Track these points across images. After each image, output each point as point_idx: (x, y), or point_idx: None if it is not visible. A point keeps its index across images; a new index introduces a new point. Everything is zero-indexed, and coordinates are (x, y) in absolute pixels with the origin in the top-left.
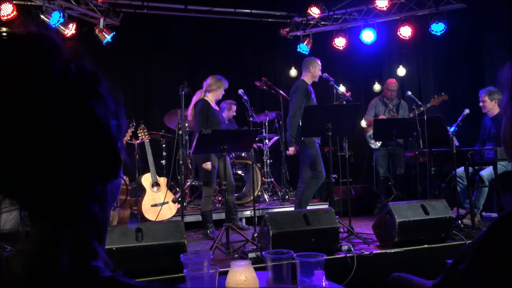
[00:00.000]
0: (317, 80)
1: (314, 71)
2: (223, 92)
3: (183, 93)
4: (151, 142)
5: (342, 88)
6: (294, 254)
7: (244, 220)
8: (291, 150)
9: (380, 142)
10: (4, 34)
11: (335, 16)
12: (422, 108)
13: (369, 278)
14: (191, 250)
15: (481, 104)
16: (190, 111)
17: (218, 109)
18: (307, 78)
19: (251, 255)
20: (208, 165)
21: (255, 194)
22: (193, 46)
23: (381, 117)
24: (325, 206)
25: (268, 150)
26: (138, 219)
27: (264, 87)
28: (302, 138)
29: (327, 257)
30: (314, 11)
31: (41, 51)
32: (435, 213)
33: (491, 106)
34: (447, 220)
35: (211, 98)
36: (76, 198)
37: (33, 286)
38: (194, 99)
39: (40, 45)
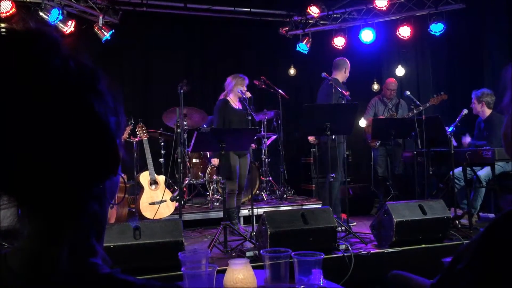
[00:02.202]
0: (345, 80)
1: (347, 72)
2: (245, 89)
3: (181, 91)
4: (150, 140)
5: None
6: (292, 253)
7: (242, 219)
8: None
9: (379, 142)
10: (4, 30)
11: (335, 15)
12: (421, 108)
13: (366, 278)
14: (189, 248)
15: (471, 105)
16: None
17: (240, 107)
18: (339, 78)
19: (249, 253)
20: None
21: (253, 193)
22: (192, 45)
23: (380, 117)
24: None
25: (267, 149)
26: (136, 217)
27: (263, 86)
28: (334, 136)
29: (324, 256)
30: (314, 11)
31: (40, 48)
32: (432, 213)
33: (478, 108)
34: (444, 220)
35: (232, 97)
36: (75, 195)
37: (31, 283)
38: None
39: (40, 41)
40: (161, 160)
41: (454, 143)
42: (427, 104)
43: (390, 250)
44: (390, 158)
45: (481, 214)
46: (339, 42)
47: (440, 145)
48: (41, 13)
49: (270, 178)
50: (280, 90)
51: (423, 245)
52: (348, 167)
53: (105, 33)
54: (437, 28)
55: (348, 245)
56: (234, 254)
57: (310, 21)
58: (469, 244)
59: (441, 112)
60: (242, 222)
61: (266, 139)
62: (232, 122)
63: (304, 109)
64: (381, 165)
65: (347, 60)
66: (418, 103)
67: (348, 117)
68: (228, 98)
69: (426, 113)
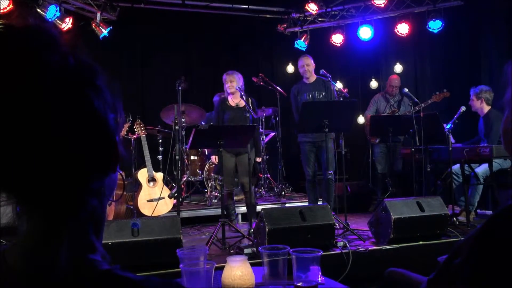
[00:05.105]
0: (303, 78)
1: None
2: (227, 85)
3: (180, 88)
4: (148, 137)
5: (339, 85)
6: (290, 250)
7: (240, 216)
8: None
9: (379, 139)
10: (2, 26)
11: (333, 12)
12: (423, 105)
13: (364, 275)
14: (187, 245)
15: (470, 103)
16: None
17: (233, 105)
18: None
19: (247, 250)
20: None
21: (251, 190)
22: (190, 41)
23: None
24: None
25: (265, 146)
26: (135, 214)
27: (261, 83)
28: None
29: (322, 253)
30: (312, 7)
31: (39, 44)
32: (430, 210)
33: (478, 105)
34: (442, 217)
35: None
36: (74, 192)
37: (30, 280)
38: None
39: (39, 37)
40: (159, 157)
41: (452, 140)
42: (429, 101)
43: (388, 247)
44: (390, 155)
45: (478, 211)
46: (337, 39)
47: (438, 142)
48: (38, 10)
49: (269, 175)
50: (278, 87)
51: (421, 242)
52: (346, 164)
53: (103, 30)
54: (435, 25)
55: (346, 242)
56: (232, 251)
57: (308, 18)
58: (466, 239)
59: (439, 109)
60: (240, 220)
61: (264, 136)
62: (229, 119)
63: (302, 106)
64: (381, 162)
65: (303, 58)
66: (416, 100)
67: (347, 114)
68: (224, 96)
69: (424, 110)
